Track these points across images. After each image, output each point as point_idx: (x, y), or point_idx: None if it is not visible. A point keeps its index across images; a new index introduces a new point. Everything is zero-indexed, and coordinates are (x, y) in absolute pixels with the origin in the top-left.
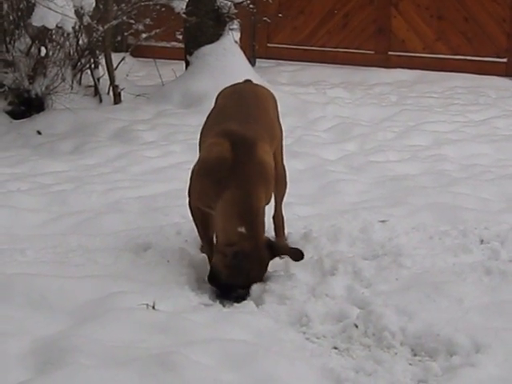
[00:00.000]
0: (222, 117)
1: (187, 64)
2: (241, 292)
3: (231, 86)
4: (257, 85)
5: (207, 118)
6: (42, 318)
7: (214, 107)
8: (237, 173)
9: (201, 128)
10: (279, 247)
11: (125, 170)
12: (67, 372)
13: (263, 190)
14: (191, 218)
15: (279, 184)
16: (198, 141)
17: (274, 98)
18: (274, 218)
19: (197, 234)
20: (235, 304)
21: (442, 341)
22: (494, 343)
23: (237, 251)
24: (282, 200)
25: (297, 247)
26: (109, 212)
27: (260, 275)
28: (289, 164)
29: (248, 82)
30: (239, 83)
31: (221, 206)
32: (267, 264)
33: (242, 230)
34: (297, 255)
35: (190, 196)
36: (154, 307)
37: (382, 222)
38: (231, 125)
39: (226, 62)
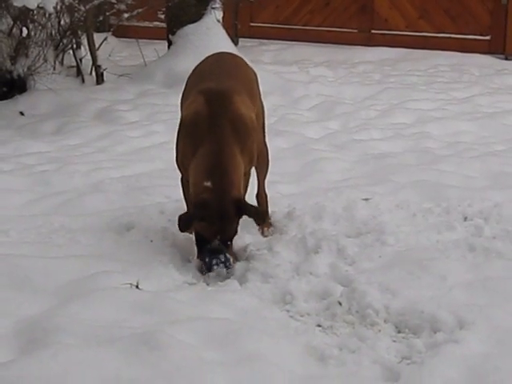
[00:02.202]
0: (200, 79)
1: (170, 44)
2: (213, 245)
3: (210, 55)
4: (233, 53)
5: (186, 83)
6: (25, 299)
7: (192, 73)
8: (211, 127)
9: (181, 94)
10: (246, 206)
11: (107, 150)
12: (51, 352)
13: (238, 143)
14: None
15: (261, 162)
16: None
17: (254, 72)
18: (257, 196)
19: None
20: (219, 283)
21: (425, 318)
22: (477, 320)
23: (197, 201)
24: (264, 178)
25: (261, 210)
26: (92, 192)
27: (224, 229)
28: (272, 142)
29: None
30: (219, 52)
31: (193, 163)
32: (232, 220)
33: (208, 184)
34: (258, 218)
35: (177, 163)
36: (137, 286)
37: (366, 199)
38: (208, 83)
39: (209, 42)
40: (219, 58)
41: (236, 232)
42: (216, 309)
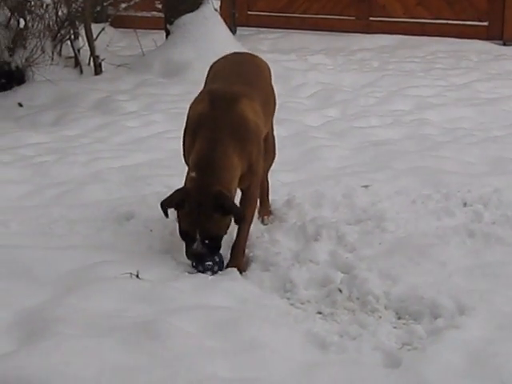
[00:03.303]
0: (215, 78)
1: (167, 33)
2: (197, 248)
3: (227, 55)
4: (253, 54)
5: (205, 78)
6: (25, 289)
7: (210, 69)
8: (209, 125)
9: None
10: (225, 201)
11: (106, 140)
12: (51, 342)
13: (235, 145)
14: None
15: (268, 153)
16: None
17: (269, 69)
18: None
19: None
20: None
21: (426, 303)
22: (477, 305)
23: (177, 189)
24: (268, 168)
25: (239, 208)
26: (91, 182)
27: (202, 222)
28: None
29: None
30: (236, 52)
31: (191, 158)
32: (210, 212)
33: (193, 174)
34: (238, 216)
35: (184, 159)
36: (137, 276)
37: (365, 186)
38: (216, 84)
39: (207, 31)
40: (240, 60)
41: (220, 231)
42: (216, 297)
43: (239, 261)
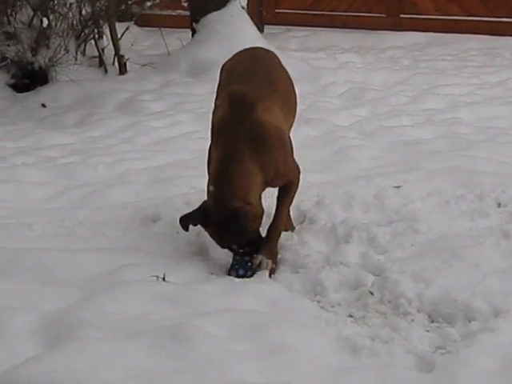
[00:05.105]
0: (231, 78)
1: (193, 32)
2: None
3: (242, 50)
4: (265, 49)
5: (219, 79)
6: (50, 293)
7: (223, 68)
8: (227, 132)
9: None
10: (242, 222)
11: (132, 141)
12: (77, 346)
13: (250, 151)
14: None
15: (287, 182)
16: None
17: (280, 61)
18: (270, 226)
19: None
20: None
21: (459, 306)
22: None
23: (200, 206)
24: (289, 203)
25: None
26: (116, 184)
27: (227, 239)
28: (301, 131)
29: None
30: (247, 48)
31: (210, 167)
32: (232, 231)
33: (212, 188)
34: (252, 236)
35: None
36: (164, 279)
37: (397, 187)
38: (237, 85)
39: (234, 29)
40: (254, 55)
41: (249, 236)
42: (244, 300)
43: (272, 249)
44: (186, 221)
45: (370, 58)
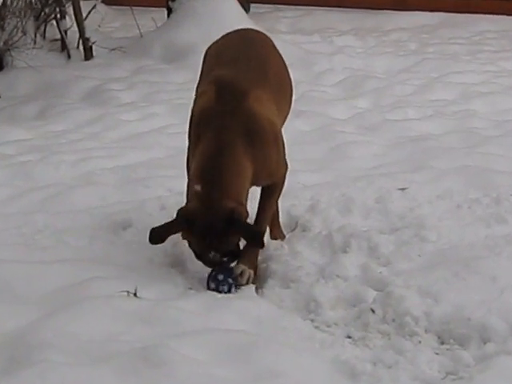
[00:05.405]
0: (218, 62)
1: (169, 11)
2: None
3: (231, 31)
4: (257, 30)
5: (202, 63)
6: (5, 310)
7: (208, 51)
8: (214, 124)
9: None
10: (239, 223)
11: (98, 136)
12: (36, 371)
13: (243, 145)
14: None
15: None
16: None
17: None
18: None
19: None
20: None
21: (473, 326)
22: None
23: (179, 213)
24: (274, 197)
25: (258, 231)
26: (81, 185)
27: (214, 246)
28: (292, 124)
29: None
30: (237, 30)
31: (193, 163)
32: (223, 236)
33: (198, 188)
34: (255, 242)
35: (186, 165)
36: (135, 294)
37: (402, 189)
38: (224, 70)
39: (215, 8)
40: (244, 38)
41: (232, 248)
42: (227, 319)
43: (252, 259)
44: (158, 234)
45: (371, 41)
